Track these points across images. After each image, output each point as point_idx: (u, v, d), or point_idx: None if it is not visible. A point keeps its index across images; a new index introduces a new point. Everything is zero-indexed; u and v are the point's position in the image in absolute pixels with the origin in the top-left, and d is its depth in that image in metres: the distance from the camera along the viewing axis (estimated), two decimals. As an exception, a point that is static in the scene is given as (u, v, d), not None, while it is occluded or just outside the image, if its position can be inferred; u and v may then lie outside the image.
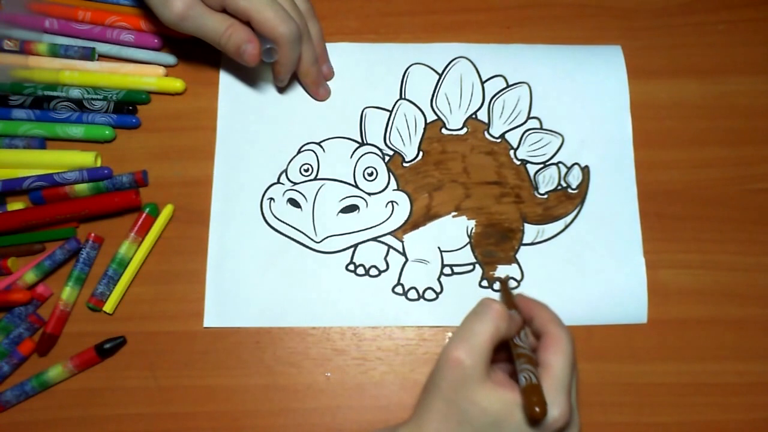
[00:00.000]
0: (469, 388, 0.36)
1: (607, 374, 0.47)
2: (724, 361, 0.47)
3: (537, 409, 0.34)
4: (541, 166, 0.51)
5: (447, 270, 0.48)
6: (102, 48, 0.51)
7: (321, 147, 0.50)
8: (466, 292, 0.48)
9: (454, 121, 0.51)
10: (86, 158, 0.48)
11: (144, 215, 0.48)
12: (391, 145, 0.51)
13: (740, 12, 0.54)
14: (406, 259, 0.49)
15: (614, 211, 0.50)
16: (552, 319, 0.40)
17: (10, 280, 0.46)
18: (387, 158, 0.50)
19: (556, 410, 0.36)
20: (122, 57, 0.51)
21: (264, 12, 0.45)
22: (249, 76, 0.52)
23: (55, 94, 0.50)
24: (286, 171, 0.50)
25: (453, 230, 0.49)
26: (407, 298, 0.48)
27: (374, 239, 0.49)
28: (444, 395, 0.36)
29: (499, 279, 0.48)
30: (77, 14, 0.51)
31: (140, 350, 0.46)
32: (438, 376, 0.37)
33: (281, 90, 0.52)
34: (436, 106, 0.52)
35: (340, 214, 0.49)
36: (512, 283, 0.48)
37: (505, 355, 0.40)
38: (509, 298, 0.43)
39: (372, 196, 0.50)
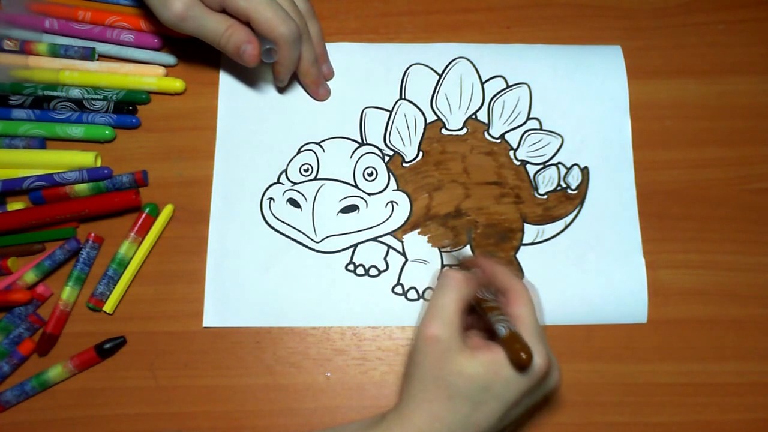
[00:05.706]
0: (451, 360, 0.37)
1: (607, 374, 0.47)
2: (724, 361, 0.47)
3: (523, 355, 0.35)
4: (541, 166, 0.51)
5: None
6: (102, 48, 0.51)
7: (321, 147, 0.50)
8: (466, 292, 0.48)
9: (454, 122, 0.51)
10: (86, 158, 0.48)
11: (144, 215, 0.48)
12: (391, 145, 0.51)
13: (740, 12, 0.54)
14: (406, 259, 0.49)
15: (614, 211, 0.50)
16: (511, 275, 0.41)
17: (10, 280, 0.46)
18: (387, 158, 0.50)
19: (538, 358, 0.37)
20: (122, 57, 0.51)
21: (264, 12, 0.45)
22: (249, 76, 0.52)
23: (55, 94, 0.50)
24: (286, 171, 0.50)
25: (453, 230, 0.49)
26: (407, 298, 0.48)
27: (374, 239, 0.49)
28: (429, 374, 0.37)
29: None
30: (77, 14, 0.51)
31: (140, 350, 0.46)
32: (418, 357, 0.38)
33: (281, 90, 0.52)
34: (436, 107, 0.52)
35: (340, 214, 0.49)
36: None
37: (471, 318, 0.41)
38: (469, 261, 0.44)
39: (372, 196, 0.50)
